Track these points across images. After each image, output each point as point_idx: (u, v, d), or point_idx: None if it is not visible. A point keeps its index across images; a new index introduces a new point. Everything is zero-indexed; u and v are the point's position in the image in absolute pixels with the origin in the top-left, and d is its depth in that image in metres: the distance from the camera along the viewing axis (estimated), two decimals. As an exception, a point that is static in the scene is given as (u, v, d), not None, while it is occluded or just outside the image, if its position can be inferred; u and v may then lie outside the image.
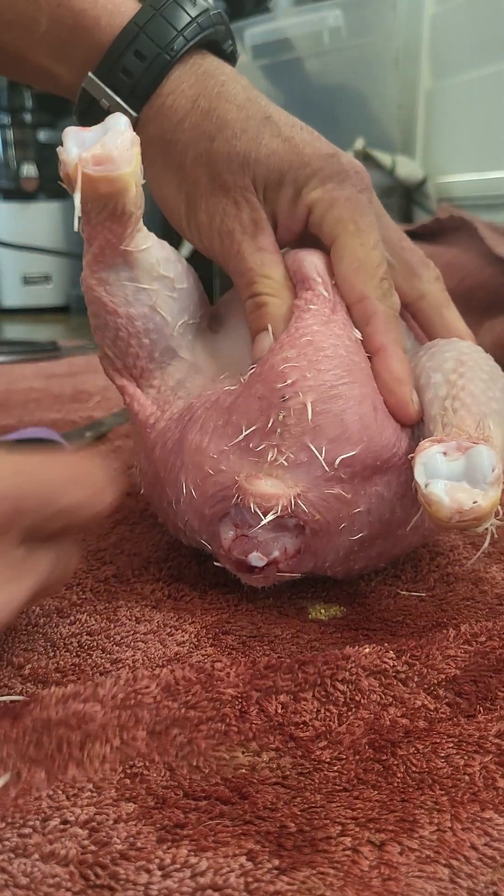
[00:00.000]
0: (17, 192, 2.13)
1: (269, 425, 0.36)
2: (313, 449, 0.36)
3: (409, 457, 0.34)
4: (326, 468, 0.36)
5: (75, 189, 0.35)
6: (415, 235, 1.09)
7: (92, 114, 0.44)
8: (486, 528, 0.33)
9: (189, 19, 0.43)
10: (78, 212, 0.35)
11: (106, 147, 0.34)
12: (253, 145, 0.42)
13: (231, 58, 0.46)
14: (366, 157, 1.56)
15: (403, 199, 1.61)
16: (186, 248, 1.61)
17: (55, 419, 0.80)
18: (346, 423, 0.36)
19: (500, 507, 0.33)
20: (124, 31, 0.42)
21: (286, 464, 0.36)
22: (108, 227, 0.37)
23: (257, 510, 0.35)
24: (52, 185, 2.11)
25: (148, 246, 0.39)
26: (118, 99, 0.43)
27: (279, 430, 0.36)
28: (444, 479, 0.33)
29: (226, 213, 0.42)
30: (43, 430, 0.62)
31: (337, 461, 0.36)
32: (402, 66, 1.50)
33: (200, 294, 0.43)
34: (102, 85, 0.43)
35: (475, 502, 0.32)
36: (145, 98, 0.43)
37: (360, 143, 1.55)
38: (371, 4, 1.45)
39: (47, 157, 2.09)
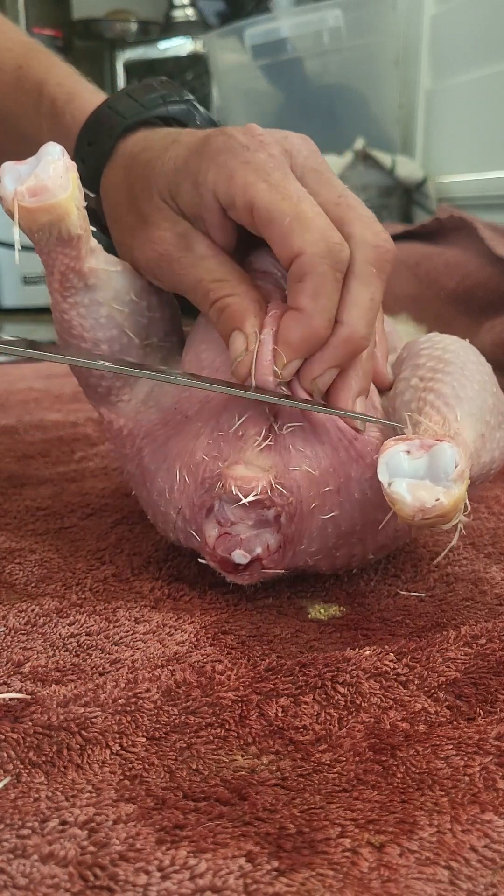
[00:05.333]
0: (17, 192, 2.14)
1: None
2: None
3: (375, 457, 0.35)
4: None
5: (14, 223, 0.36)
6: (415, 235, 1.09)
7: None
8: (455, 525, 0.33)
9: (134, 104, 0.44)
10: (17, 244, 0.36)
11: (39, 178, 0.36)
12: (159, 165, 0.41)
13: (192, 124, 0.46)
14: (366, 157, 1.56)
15: (403, 199, 1.61)
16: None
17: (55, 419, 0.80)
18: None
19: (467, 503, 0.33)
20: (84, 125, 0.45)
21: (272, 444, 0.38)
22: (62, 252, 0.39)
23: (238, 493, 0.37)
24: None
25: (114, 269, 0.41)
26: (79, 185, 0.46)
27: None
28: (407, 477, 0.33)
29: (153, 241, 0.41)
30: None
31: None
32: (402, 66, 1.50)
33: (176, 327, 0.45)
34: None
35: (437, 500, 0.32)
36: (97, 178, 0.45)
37: (360, 143, 1.55)
38: (371, 4, 1.45)
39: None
